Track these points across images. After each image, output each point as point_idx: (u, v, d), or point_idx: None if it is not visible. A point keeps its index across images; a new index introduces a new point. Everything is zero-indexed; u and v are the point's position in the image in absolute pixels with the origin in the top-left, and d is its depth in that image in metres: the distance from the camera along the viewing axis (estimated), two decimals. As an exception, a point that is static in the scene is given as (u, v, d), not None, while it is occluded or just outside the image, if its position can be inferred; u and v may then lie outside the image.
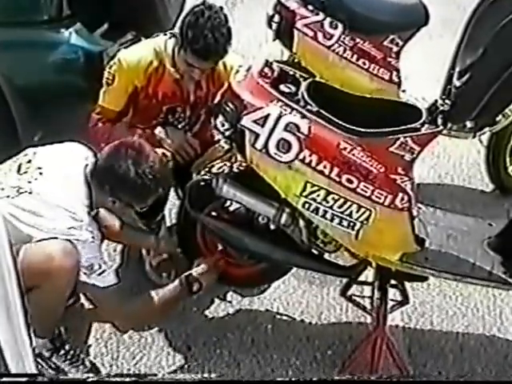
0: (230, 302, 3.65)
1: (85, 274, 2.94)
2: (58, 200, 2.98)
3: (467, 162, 4.55)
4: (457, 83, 3.48)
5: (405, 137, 2.95)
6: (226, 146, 3.15)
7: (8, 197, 2.98)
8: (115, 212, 3.20)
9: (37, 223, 2.93)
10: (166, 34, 3.62)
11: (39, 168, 3.08)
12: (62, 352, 3.17)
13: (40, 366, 3.08)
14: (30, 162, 3.12)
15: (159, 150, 3.34)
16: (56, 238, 2.90)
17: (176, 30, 3.59)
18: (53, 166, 3.12)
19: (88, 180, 3.06)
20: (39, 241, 2.91)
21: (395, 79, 3.91)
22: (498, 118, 3.83)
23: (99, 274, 2.97)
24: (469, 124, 3.73)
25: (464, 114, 3.33)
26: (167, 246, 3.58)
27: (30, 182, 3.02)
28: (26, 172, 3.07)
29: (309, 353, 3.40)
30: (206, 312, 3.60)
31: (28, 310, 2.48)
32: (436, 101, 3.40)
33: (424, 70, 4.65)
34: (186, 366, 3.32)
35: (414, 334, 3.53)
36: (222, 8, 3.43)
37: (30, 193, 2.99)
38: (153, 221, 3.63)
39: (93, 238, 2.98)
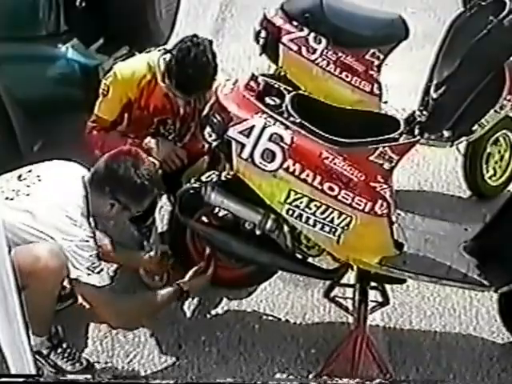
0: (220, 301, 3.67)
1: (88, 274, 2.98)
2: (54, 201, 3.03)
3: (445, 170, 4.57)
4: (434, 95, 3.51)
5: (384, 146, 2.99)
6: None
7: (7, 199, 3.04)
8: (111, 218, 3.23)
9: (33, 223, 2.98)
10: (159, 50, 3.65)
11: (38, 176, 3.14)
12: (60, 350, 3.20)
13: (40, 364, 3.12)
14: (30, 171, 3.18)
15: (149, 159, 3.35)
16: (52, 238, 2.96)
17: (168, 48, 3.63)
18: (51, 174, 3.19)
19: (86, 189, 3.11)
20: (31, 242, 2.97)
21: (376, 91, 3.95)
22: (474, 128, 3.83)
23: (99, 273, 3.01)
24: (446, 133, 3.75)
25: (440, 124, 3.37)
26: (158, 259, 3.58)
27: (28, 186, 3.08)
28: (25, 179, 3.13)
29: (293, 351, 3.42)
30: (196, 312, 3.63)
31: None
32: (414, 112, 3.43)
33: (405, 81, 4.67)
34: (176, 364, 3.35)
35: (394, 333, 3.56)
36: (211, 43, 3.46)
37: (28, 195, 3.04)
38: (144, 225, 3.67)
39: (89, 236, 3.02)
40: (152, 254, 3.52)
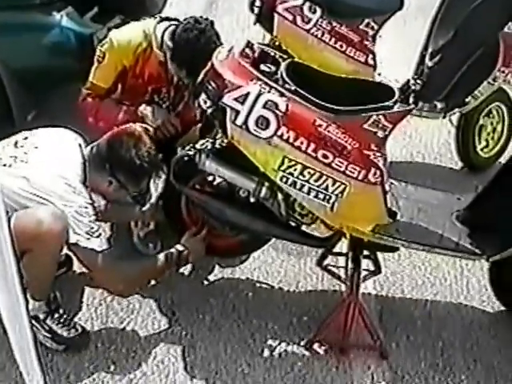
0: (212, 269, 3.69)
1: (87, 239, 2.98)
2: (53, 168, 3.02)
3: (438, 142, 4.58)
4: (429, 63, 3.50)
5: (377, 114, 2.96)
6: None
7: (5, 165, 3.03)
8: (108, 195, 3.23)
9: (32, 189, 2.97)
10: (155, 18, 3.65)
11: (35, 142, 3.14)
12: (57, 315, 3.19)
13: (35, 329, 3.11)
14: (26, 138, 3.17)
15: (143, 125, 3.36)
16: (52, 204, 2.95)
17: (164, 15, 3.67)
18: (48, 141, 3.18)
19: (84, 158, 3.11)
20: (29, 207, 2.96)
21: (370, 61, 3.95)
22: (467, 99, 3.86)
23: (97, 237, 3.01)
24: (439, 105, 3.77)
25: (435, 93, 3.36)
26: (153, 216, 3.61)
27: (26, 153, 3.07)
28: (22, 146, 3.12)
29: (286, 318, 3.43)
30: (191, 280, 3.64)
31: (24, 276, 2.63)
32: (408, 80, 3.40)
33: (398, 52, 4.65)
34: (170, 330, 3.34)
35: (385, 301, 3.57)
36: (212, 23, 3.46)
37: (26, 162, 3.04)
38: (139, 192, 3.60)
39: (87, 202, 3.02)
40: (147, 206, 3.51)
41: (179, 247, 3.30)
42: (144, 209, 3.52)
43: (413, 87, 3.21)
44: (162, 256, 3.25)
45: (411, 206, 3.36)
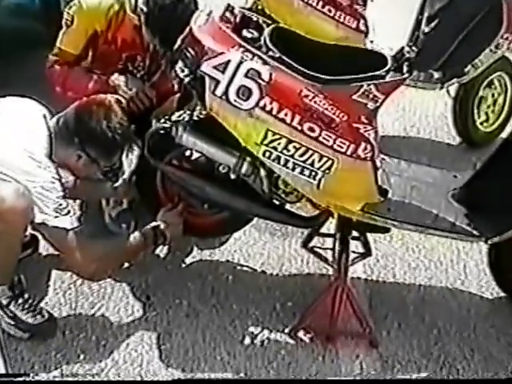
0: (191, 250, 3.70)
1: (55, 217, 2.97)
2: (14, 140, 3.01)
3: (433, 115, 4.59)
4: (425, 29, 3.51)
5: (368, 84, 2.96)
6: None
7: None
8: (77, 170, 3.22)
9: None
10: None
11: None
12: (21, 300, 3.19)
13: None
14: None
15: (115, 96, 3.35)
16: (15, 180, 2.94)
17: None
18: (9, 112, 3.17)
19: (50, 130, 3.09)
20: None
21: (362, 27, 3.95)
22: (466, 69, 3.85)
23: (66, 214, 3.00)
24: (436, 74, 3.77)
25: (431, 61, 3.38)
26: (126, 194, 3.62)
27: None
28: None
29: (269, 304, 3.45)
30: (167, 262, 3.64)
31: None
32: (402, 48, 3.39)
33: (392, 17, 4.64)
34: (144, 317, 3.36)
35: (376, 286, 3.59)
36: None
37: None
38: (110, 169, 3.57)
39: (54, 178, 3.00)
40: (119, 183, 3.52)
41: (154, 224, 3.30)
42: (116, 185, 3.52)
43: (407, 55, 3.19)
44: (136, 234, 3.25)
45: (404, 183, 3.37)
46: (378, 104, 3.00)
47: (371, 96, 2.99)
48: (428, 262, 3.74)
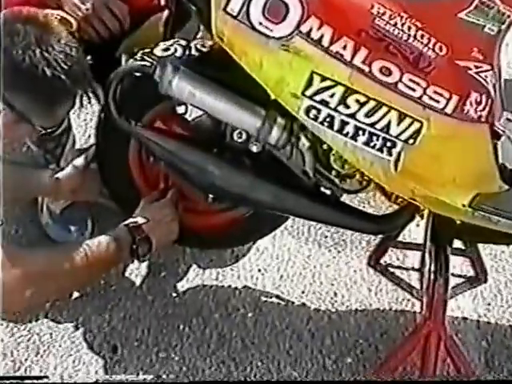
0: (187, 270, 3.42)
1: None
2: None
3: None
4: None
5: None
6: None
7: None
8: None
9: None
10: None
11: None
12: None
13: None
14: None
15: (60, 13, 2.96)
16: None
17: None
18: None
19: None
20: None
21: None
22: None
23: None
24: None
25: None
26: (76, 183, 3.21)
27: None
28: None
29: (318, 359, 3.07)
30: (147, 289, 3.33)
31: None
32: None
33: None
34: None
35: (493, 328, 3.28)
36: None
37: None
38: (50, 141, 3.37)
39: None
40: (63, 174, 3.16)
41: (132, 221, 2.95)
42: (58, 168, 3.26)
43: None
44: (97, 240, 2.83)
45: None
46: (502, 27, 2.55)
47: (491, 14, 2.54)
48: None
